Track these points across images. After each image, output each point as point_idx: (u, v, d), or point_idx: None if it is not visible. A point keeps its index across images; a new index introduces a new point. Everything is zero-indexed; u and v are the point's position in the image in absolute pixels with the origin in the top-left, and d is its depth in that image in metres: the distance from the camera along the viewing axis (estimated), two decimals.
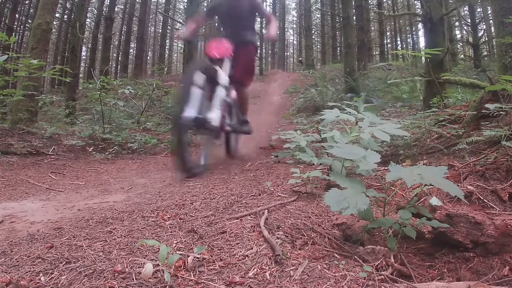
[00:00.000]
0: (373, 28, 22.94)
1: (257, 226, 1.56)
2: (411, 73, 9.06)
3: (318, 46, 29.37)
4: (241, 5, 3.57)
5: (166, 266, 1.14)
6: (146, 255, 1.29)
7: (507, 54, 4.14)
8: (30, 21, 16.63)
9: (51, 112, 9.44)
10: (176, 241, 1.44)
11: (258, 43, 4.85)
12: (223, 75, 3.20)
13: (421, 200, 1.86)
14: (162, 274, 1.10)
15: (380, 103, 8.54)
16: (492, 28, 10.04)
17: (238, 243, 1.39)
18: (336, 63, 19.09)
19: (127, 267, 1.19)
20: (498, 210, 1.64)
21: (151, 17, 26.27)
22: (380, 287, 1.07)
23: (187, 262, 1.21)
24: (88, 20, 20.31)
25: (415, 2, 20.56)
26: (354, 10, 12.10)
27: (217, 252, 1.31)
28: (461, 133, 2.90)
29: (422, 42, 21.62)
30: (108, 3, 18.42)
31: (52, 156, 4.93)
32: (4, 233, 1.77)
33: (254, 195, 2.24)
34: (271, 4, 30.00)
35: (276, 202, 1.98)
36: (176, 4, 26.67)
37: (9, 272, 1.17)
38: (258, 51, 4.68)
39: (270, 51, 30.10)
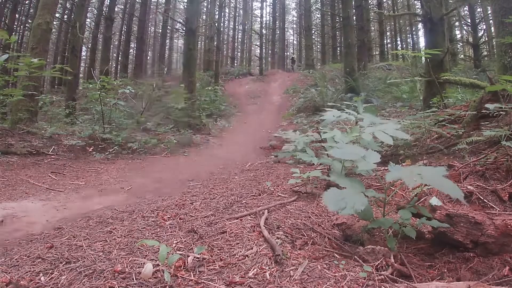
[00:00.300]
0: (373, 28, 22.90)
1: (257, 226, 1.56)
2: (411, 73, 9.06)
3: (318, 46, 29.33)
4: None
5: (166, 266, 1.14)
6: (146, 255, 1.29)
7: (507, 54, 4.14)
8: (30, 21, 16.61)
9: (51, 112, 9.43)
10: (176, 241, 1.44)
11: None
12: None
13: (421, 200, 1.86)
14: (162, 274, 1.11)
15: (380, 103, 8.54)
16: (492, 28, 10.03)
17: (238, 243, 1.39)
18: (336, 63, 19.07)
19: (127, 267, 1.19)
20: (498, 210, 1.64)
21: (151, 17, 26.24)
22: (380, 287, 1.07)
23: (187, 262, 1.21)
24: (88, 20, 20.30)
25: (415, 2, 20.55)
26: (354, 10, 12.08)
27: (217, 252, 1.31)
28: (461, 133, 2.89)
29: (422, 42, 21.62)
30: (108, 3, 18.39)
31: (52, 156, 4.93)
32: (4, 233, 1.77)
33: (254, 195, 2.24)
34: (271, 4, 30.00)
35: (276, 202, 1.98)
36: (176, 4, 26.66)
37: (9, 272, 1.17)
38: None
39: (270, 51, 30.09)
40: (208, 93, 12.30)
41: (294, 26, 34.74)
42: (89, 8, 18.73)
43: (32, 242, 1.53)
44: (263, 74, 18.91)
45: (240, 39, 32.08)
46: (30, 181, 3.44)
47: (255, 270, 1.15)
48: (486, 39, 14.74)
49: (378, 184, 2.46)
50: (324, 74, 14.41)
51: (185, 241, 1.44)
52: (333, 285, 1.06)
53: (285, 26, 31.63)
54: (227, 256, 1.27)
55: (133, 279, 1.10)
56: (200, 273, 1.15)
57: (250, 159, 5.45)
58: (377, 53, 24.38)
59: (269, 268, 1.16)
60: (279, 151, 5.09)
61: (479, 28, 15.14)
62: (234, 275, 1.11)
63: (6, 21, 15.04)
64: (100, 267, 1.18)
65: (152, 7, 25.14)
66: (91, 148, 5.67)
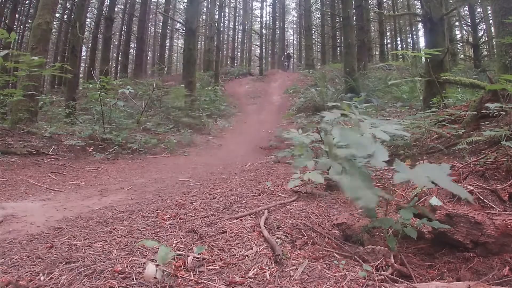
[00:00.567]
0: (373, 28, 22.89)
1: (257, 226, 1.56)
2: (411, 73, 9.06)
3: (318, 46, 29.33)
4: None
5: (166, 266, 1.14)
6: (146, 255, 1.29)
7: (507, 54, 4.14)
8: (30, 21, 16.61)
9: (51, 112, 9.43)
10: (176, 241, 1.44)
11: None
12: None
13: (421, 200, 1.86)
14: (163, 274, 1.11)
15: (380, 103, 8.54)
16: (492, 28, 10.03)
17: (238, 243, 1.39)
18: (336, 63, 19.05)
19: (127, 267, 1.19)
20: (498, 210, 1.64)
21: (151, 17, 26.24)
22: (380, 287, 1.07)
23: (187, 262, 1.21)
24: (88, 20, 20.30)
25: (415, 2, 20.55)
26: (354, 10, 12.07)
27: (217, 252, 1.31)
28: (461, 133, 2.89)
29: (422, 42, 21.62)
30: (108, 3, 18.38)
31: (52, 156, 4.93)
32: (4, 233, 1.77)
33: (254, 195, 2.24)
34: (271, 4, 30.01)
35: (276, 202, 1.98)
36: (176, 4, 26.65)
37: (9, 272, 1.17)
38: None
39: (270, 51, 30.08)
40: (208, 93, 12.30)
41: (294, 26, 34.74)
42: (89, 8, 18.73)
43: (32, 242, 1.53)
44: (263, 74, 18.90)
45: (240, 39, 32.07)
46: (30, 181, 3.44)
47: (255, 270, 1.15)
48: (486, 39, 14.73)
49: (378, 184, 2.46)
50: (324, 74, 14.41)
51: (185, 241, 1.44)
52: (333, 285, 1.06)
53: (285, 26, 31.62)
54: (227, 256, 1.27)
55: (133, 279, 1.10)
56: (200, 273, 1.15)
57: (250, 159, 5.45)
58: (377, 53, 24.37)
59: (269, 268, 1.16)
60: (279, 151, 5.09)
61: (479, 28, 15.13)
62: (234, 275, 1.11)
63: (6, 21, 15.04)
64: (100, 267, 1.18)
65: (152, 7, 25.15)
66: (91, 148, 5.67)
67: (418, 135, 3.30)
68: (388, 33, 25.79)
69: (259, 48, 28.62)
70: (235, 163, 5.16)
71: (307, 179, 2.24)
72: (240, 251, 1.31)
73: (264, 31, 30.15)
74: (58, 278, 1.11)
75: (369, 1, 20.61)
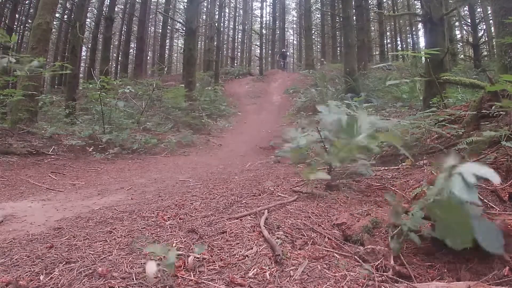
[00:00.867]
0: (373, 28, 22.90)
1: (257, 226, 1.56)
2: (411, 73, 9.06)
3: (318, 46, 29.35)
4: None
5: (166, 267, 1.14)
6: (146, 255, 1.29)
7: (507, 54, 4.13)
8: (30, 21, 16.61)
9: (51, 112, 9.43)
10: (176, 241, 1.44)
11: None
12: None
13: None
14: (163, 274, 1.11)
15: (380, 103, 8.53)
16: (492, 28, 10.03)
17: (238, 243, 1.39)
18: (336, 63, 19.05)
19: (127, 267, 1.19)
20: (498, 210, 1.64)
21: (151, 17, 26.24)
22: (380, 287, 1.07)
23: (187, 262, 1.21)
24: (88, 20, 20.29)
25: (415, 2, 20.55)
26: (354, 10, 12.05)
27: (217, 252, 1.31)
28: (461, 133, 2.89)
29: (422, 42, 21.60)
30: (108, 3, 18.38)
31: (52, 156, 4.93)
32: (4, 233, 1.77)
33: (254, 195, 2.24)
34: (271, 4, 30.03)
35: (276, 202, 1.98)
36: (176, 4, 26.66)
37: (9, 272, 1.17)
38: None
39: (270, 51, 30.10)
40: (208, 93, 12.30)
41: (294, 26, 34.74)
42: (89, 8, 18.73)
43: (32, 242, 1.53)
44: (263, 74, 18.89)
45: (240, 39, 32.07)
46: (30, 181, 3.44)
47: (255, 270, 1.15)
48: (486, 39, 14.73)
49: (378, 184, 2.46)
50: (324, 74, 14.41)
51: (185, 241, 1.44)
52: (333, 285, 1.06)
53: (285, 26, 31.62)
54: (227, 256, 1.27)
55: (133, 279, 1.10)
56: (200, 273, 1.15)
57: (250, 159, 5.45)
58: (377, 53, 24.38)
59: (269, 268, 1.16)
60: (279, 151, 5.09)
61: (479, 28, 15.12)
62: (234, 275, 1.11)
63: (6, 21, 15.03)
64: (100, 267, 1.18)
65: (152, 7, 25.14)
66: (91, 148, 5.68)
67: (418, 135, 3.30)
68: (388, 33, 25.80)
69: (259, 48, 28.60)
70: (235, 163, 5.16)
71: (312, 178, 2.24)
72: (240, 251, 1.31)
73: (264, 31, 30.14)
74: (58, 278, 1.11)
75: (369, 1, 20.61)
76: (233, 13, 32.05)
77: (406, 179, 2.43)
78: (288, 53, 27.02)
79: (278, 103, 13.18)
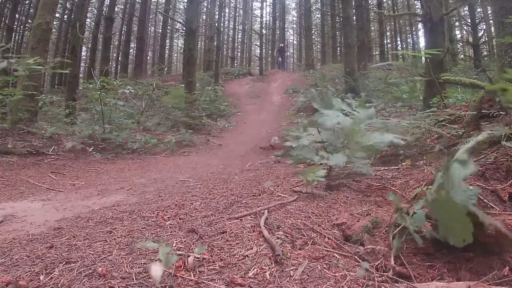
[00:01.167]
0: (373, 28, 22.90)
1: (257, 226, 1.56)
2: (411, 73, 9.05)
3: (318, 46, 29.35)
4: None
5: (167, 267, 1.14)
6: (146, 255, 1.29)
7: (507, 54, 4.13)
8: (30, 21, 16.62)
9: (51, 112, 9.43)
10: (176, 241, 1.44)
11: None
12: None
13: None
14: (163, 274, 1.11)
15: (380, 103, 8.53)
16: (492, 28, 10.02)
17: (238, 243, 1.39)
18: (336, 63, 19.04)
19: (127, 267, 1.19)
20: (498, 210, 1.64)
21: (151, 17, 26.24)
22: (380, 287, 1.07)
23: (187, 262, 1.21)
24: (88, 20, 20.29)
25: (415, 2, 20.56)
26: (354, 10, 12.04)
27: (217, 252, 1.31)
28: (461, 133, 2.89)
29: (422, 42, 21.60)
30: (108, 3, 18.39)
31: (52, 156, 4.93)
32: (4, 233, 1.77)
33: (254, 195, 2.24)
34: (271, 4, 30.02)
35: (276, 202, 1.98)
36: (176, 4, 26.66)
37: (9, 272, 1.17)
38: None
39: (270, 51, 30.08)
40: (208, 93, 12.30)
41: (294, 26, 34.72)
42: (89, 8, 18.72)
43: (32, 242, 1.53)
44: (263, 74, 18.89)
45: (240, 39, 32.06)
46: (30, 181, 3.44)
47: (255, 270, 1.15)
48: (486, 39, 14.72)
49: (378, 184, 2.46)
50: (324, 74, 14.40)
51: (185, 241, 1.44)
52: (333, 285, 1.06)
53: (285, 26, 31.61)
54: (227, 256, 1.27)
55: (133, 279, 1.10)
56: (200, 273, 1.15)
57: (250, 159, 5.45)
58: (377, 53, 24.37)
59: (269, 268, 1.16)
60: (279, 151, 5.10)
61: (479, 28, 15.12)
62: (234, 275, 1.11)
63: (6, 21, 15.03)
64: (100, 267, 1.18)
65: (152, 7, 25.14)
66: (91, 148, 5.68)
67: (418, 135, 3.30)
68: (388, 33, 25.79)
69: (259, 48, 28.59)
70: (235, 163, 5.16)
71: (312, 178, 2.24)
72: (240, 251, 1.31)
73: (264, 31, 30.13)
74: (58, 278, 1.11)
75: (369, 1, 20.61)
76: (233, 13, 32.05)
77: (406, 179, 2.43)
78: (287, 50, 25.23)
79: (278, 103, 13.18)
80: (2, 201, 2.60)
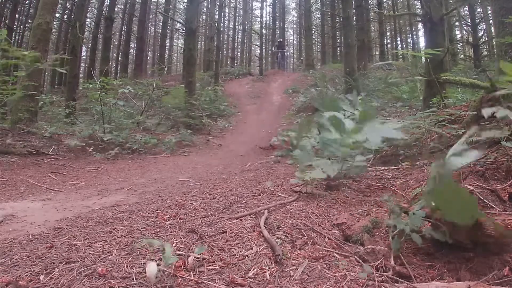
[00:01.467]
0: (373, 28, 22.91)
1: (257, 226, 1.56)
2: (411, 73, 9.05)
3: (318, 46, 29.36)
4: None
5: (167, 266, 1.14)
6: (146, 255, 1.29)
7: (507, 54, 4.14)
8: (30, 21, 16.63)
9: (51, 112, 9.43)
10: (176, 241, 1.44)
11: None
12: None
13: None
14: (163, 274, 1.11)
15: (380, 103, 8.53)
16: (492, 28, 10.03)
17: (238, 243, 1.39)
18: (336, 63, 19.04)
19: (127, 267, 1.19)
20: (498, 210, 1.64)
21: (151, 17, 26.25)
22: (380, 287, 1.07)
23: (187, 262, 1.21)
24: (88, 20, 20.29)
25: (415, 2, 20.57)
26: (354, 10, 12.03)
27: (217, 252, 1.31)
28: (461, 133, 2.89)
29: (422, 42, 21.60)
30: (108, 3, 18.40)
31: (52, 156, 4.93)
32: (4, 233, 1.77)
33: (254, 195, 2.24)
34: (271, 4, 30.01)
35: (276, 202, 1.98)
36: (176, 4, 26.66)
37: (9, 272, 1.17)
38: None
39: (270, 51, 30.08)
40: (208, 93, 12.30)
41: (294, 26, 34.72)
42: (89, 8, 18.72)
43: (32, 242, 1.53)
44: (263, 74, 18.87)
45: (240, 39, 32.06)
46: (30, 181, 3.44)
47: (255, 270, 1.15)
48: (486, 39, 14.72)
49: (378, 184, 2.46)
50: (324, 74, 14.40)
51: (185, 241, 1.44)
52: (333, 285, 1.06)
53: (285, 26, 31.60)
54: (227, 256, 1.27)
55: (133, 279, 1.10)
56: (200, 273, 1.15)
57: (250, 159, 5.45)
58: (377, 53, 24.38)
59: (269, 268, 1.16)
60: (279, 151, 5.10)
61: (479, 28, 15.12)
62: (234, 275, 1.11)
63: (6, 21, 15.04)
64: (100, 267, 1.18)
65: (152, 7, 25.14)
66: (91, 148, 5.68)
67: (418, 135, 3.30)
68: (388, 33, 25.79)
69: (259, 48, 28.58)
70: (235, 163, 5.16)
71: (308, 179, 2.24)
72: (240, 251, 1.31)
73: (264, 31, 30.11)
74: (58, 278, 1.11)
75: (369, 1, 20.61)
76: (233, 13, 32.05)
77: (406, 179, 2.43)
78: (287, 47, 22.54)
79: (278, 103, 13.17)
80: (2, 201, 2.60)
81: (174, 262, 1.13)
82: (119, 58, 24.27)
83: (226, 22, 30.78)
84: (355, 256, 1.31)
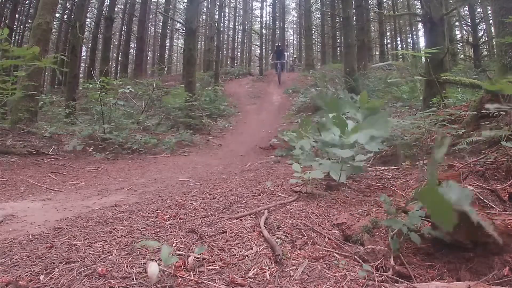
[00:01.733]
0: (373, 28, 22.93)
1: (257, 226, 1.56)
2: (411, 73, 9.05)
3: (318, 46, 29.37)
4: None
5: (167, 266, 1.14)
6: (146, 255, 1.29)
7: (507, 54, 4.13)
8: (30, 21, 16.64)
9: (51, 112, 9.43)
10: (176, 241, 1.44)
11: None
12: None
13: None
14: (163, 274, 1.11)
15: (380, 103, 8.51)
16: (492, 28, 10.03)
17: (238, 243, 1.39)
18: (336, 63, 19.03)
19: (127, 267, 1.19)
20: (498, 210, 1.64)
21: (151, 17, 26.27)
22: (380, 287, 1.07)
23: (187, 262, 1.21)
24: (88, 20, 20.29)
25: (415, 2, 20.58)
26: (354, 10, 12.04)
27: (217, 252, 1.31)
28: (461, 133, 2.89)
29: (422, 42, 21.61)
30: (108, 3, 18.42)
31: (52, 156, 4.93)
32: (4, 233, 1.77)
33: (254, 195, 2.24)
34: (271, 4, 30.01)
35: (276, 202, 1.98)
36: (176, 4, 26.67)
37: (9, 272, 1.17)
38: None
39: (270, 51, 30.08)
40: (208, 93, 12.30)
41: (294, 26, 34.75)
42: (89, 8, 18.72)
43: (32, 242, 1.53)
44: (263, 74, 18.87)
45: (240, 39, 32.07)
46: (30, 181, 3.44)
47: (255, 270, 1.15)
48: (486, 39, 14.73)
49: (378, 184, 2.46)
50: (324, 74, 14.40)
51: (185, 241, 1.44)
52: (333, 285, 1.06)
53: (285, 26, 31.60)
54: (227, 256, 1.27)
55: (133, 279, 1.10)
56: (200, 273, 1.15)
57: (250, 159, 5.45)
58: (377, 53, 24.39)
59: (269, 268, 1.16)
60: (279, 151, 5.10)
61: (479, 28, 15.12)
62: (234, 275, 1.11)
63: (6, 21, 15.04)
64: (100, 267, 1.18)
65: (152, 7, 25.14)
66: (91, 148, 5.68)
67: (418, 135, 3.30)
68: (388, 33, 25.80)
69: (259, 48, 28.58)
70: (235, 163, 5.16)
71: (307, 179, 2.25)
72: (240, 251, 1.31)
73: (264, 31, 30.13)
74: (58, 278, 1.11)
75: (369, 1, 20.61)
76: (233, 13, 32.06)
77: (406, 179, 2.43)
78: (286, 51, 19.18)
79: (278, 103, 13.17)
80: (2, 201, 2.60)
81: (174, 262, 1.13)
82: (119, 58, 24.28)
83: (226, 22, 30.81)
84: (355, 256, 1.31)
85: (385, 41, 23.66)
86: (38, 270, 1.17)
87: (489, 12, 11.45)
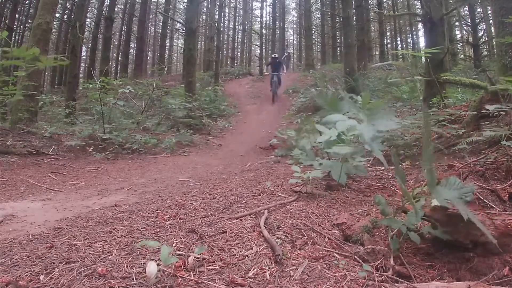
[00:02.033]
0: (373, 28, 22.93)
1: (257, 226, 1.56)
2: (411, 73, 9.05)
3: (318, 46, 29.37)
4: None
5: (167, 266, 1.14)
6: (146, 255, 1.29)
7: (507, 54, 4.13)
8: (30, 21, 16.64)
9: (51, 112, 9.44)
10: (176, 241, 1.44)
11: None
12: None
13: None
14: (163, 274, 1.11)
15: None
16: (492, 28, 10.03)
17: (238, 243, 1.39)
18: (336, 63, 19.02)
19: (127, 267, 1.19)
20: (498, 210, 1.64)
21: (151, 17, 26.27)
22: (380, 287, 1.07)
23: (187, 262, 1.21)
24: (88, 20, 20.29)
25: (415, 2, 20.58)
26: (354, 10, 12.04)
27: (217, 252, 1.31)
28: (461, 133, 2.89)
29: (422, 42, 21.60)
30: (108, 3, 18.43)
31: (52, 156, 4.93)
32: (4, 233, 1.77)
33: (254, 195, 2.24)
34: (271, 4, 30.01)
35: (276, 202, 1.98)
36: (176, 4, 26.68)
37: (9, 272, 1.17)
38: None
39: (270, 51, 30.08)
40: (208, 93, 12.30)
41: (294, 26, 34.74)
42: (89, 8, 18.72)
43: (32, 242, 1.53)
44: (263, 74, 18.87)
45: (240, 39, 32.07)
46: (30, 181, 3.44)
47: (255, 270, 1.15)
48: (486, 39, 14.73)
49: (378, 184, 2.46)
50: (324, 74, 14.39)
51: (185, 241, 1.44)
52: (333, 285, 1.06)
53: (285, 26, 31.58)
54: (227, 256, 1.27)
55: (133, 279, 1.10)
56: (200, 273, 1.15)
57: (250, 159, 5.45)
58: (377, 53, 24.38)
59: (269, 268, 1.16)
60: (279, 150, 5.09)
61: (479, 28, 15.12)
62: (234, 275, 1.11)
63: (6, 21, 15.04)
64: (100, 267, 1.18)
65: (152, 7, 25.14)
66: (91, 148, 5.67)
67: (418, 135, 3.30)
68: (388, 33, 25.80)
69: (259, 48, 28.56)
70: (235, 163, 5.16)
71: (307, 179, 2.25)
72: (240, 251, 1.31)
73: (264, 31, 30.12)
74: (58, 278, 1.11)
75: (369, 1, 20.61)
76: (233, 13, 32.06)
77: (406, 179, 2.43)
78: (285, 62, 15.73)
79: (278, 103, 13.16)
80: (2, 201, 2.60)
81: (174, 262, 1.13)
82: (119, 58, 24.29)
83: (226, 22, 30.80)
84: (355, 256, 1.31)
85: (385, 41, 23.66)
86: (38, 270, 1.17)
87: (489, 12, 11.45)
